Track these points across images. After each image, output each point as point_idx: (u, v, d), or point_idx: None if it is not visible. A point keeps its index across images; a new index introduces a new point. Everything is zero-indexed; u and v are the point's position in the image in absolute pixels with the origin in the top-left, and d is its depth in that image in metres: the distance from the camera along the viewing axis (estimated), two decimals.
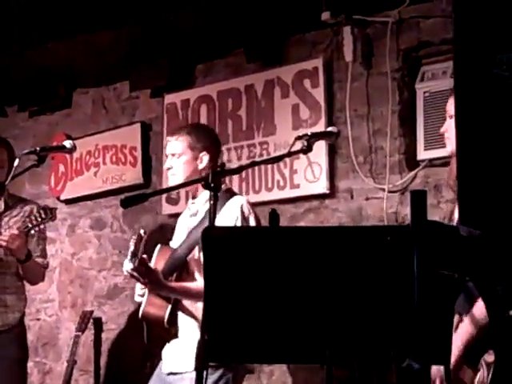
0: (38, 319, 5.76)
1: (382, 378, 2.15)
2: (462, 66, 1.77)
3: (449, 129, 2.86)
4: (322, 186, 4.56)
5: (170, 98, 5.30)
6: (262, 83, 4.88)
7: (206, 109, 5.13)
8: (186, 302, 3.36)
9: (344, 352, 2.06)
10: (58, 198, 5.76)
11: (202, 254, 3.28)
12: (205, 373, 2.38)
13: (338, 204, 4.55)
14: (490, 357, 2.47)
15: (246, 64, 4.97)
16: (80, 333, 4.87)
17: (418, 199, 1.92)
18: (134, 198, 3.21)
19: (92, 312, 5.01)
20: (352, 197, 4.51)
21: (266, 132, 4.84)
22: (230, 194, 3.49)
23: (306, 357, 2.13)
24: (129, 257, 3.23)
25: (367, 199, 4.46)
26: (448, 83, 4.05)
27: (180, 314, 3.35)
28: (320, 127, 4.44)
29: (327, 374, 2.19)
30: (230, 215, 3.35)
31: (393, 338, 2.00)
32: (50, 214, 3.80)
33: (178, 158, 3.47)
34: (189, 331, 3.33)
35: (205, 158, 3.48)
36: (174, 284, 3.35)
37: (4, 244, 3.87)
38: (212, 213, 2.52)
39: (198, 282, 3.30)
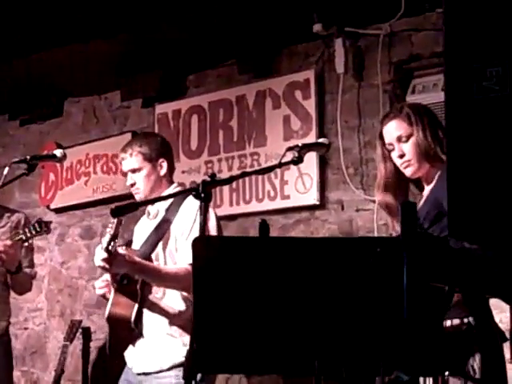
0: (26, 328, 5.74)
1: None
2: (453, 78, 1.78)
3: (406, 151, 2.75)
4: (312, 197, 4.57)
5: (161, 108, 5.30)
6: (254, 94, 4.89)
7: (197, 119, 5.14)
8: (152, 300, 3.34)
9: (333, 363, 2.06)
10: (48, 207, 5.75)
11: (166, 251, 3.35)
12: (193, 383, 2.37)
13: (328, 215, 4.55)
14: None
15: (238, 75, 4.98)
16: (68, 342, 4.85)
17: (409, 210, 1.92)
18: (125, 207, 3.20)
19: (81, 322, 4.99)
20: (342, 208, 4.52)
21: (257, 143, 4.84)
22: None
23: (296, 368, 2.12)
24: (104, 244, 3.16)
25: (357, 210, 4.47)
26: (439, 96, 4.06)
27: (146, 313, 3.33)
28: (311, 138, 4.46)
29: None
30: (190, 209, 3.37)
31: (382, 349, 2.00)
32: (45, 227, 3.77)
33: (139, 173, 3.49)
34: (155, 329, 3.32)
35: (164, 164, 3.51)
36: (144, 262, 3.32)
37: None
38: (202, 222, 2.52)
39: (167, 266, 3.32)
